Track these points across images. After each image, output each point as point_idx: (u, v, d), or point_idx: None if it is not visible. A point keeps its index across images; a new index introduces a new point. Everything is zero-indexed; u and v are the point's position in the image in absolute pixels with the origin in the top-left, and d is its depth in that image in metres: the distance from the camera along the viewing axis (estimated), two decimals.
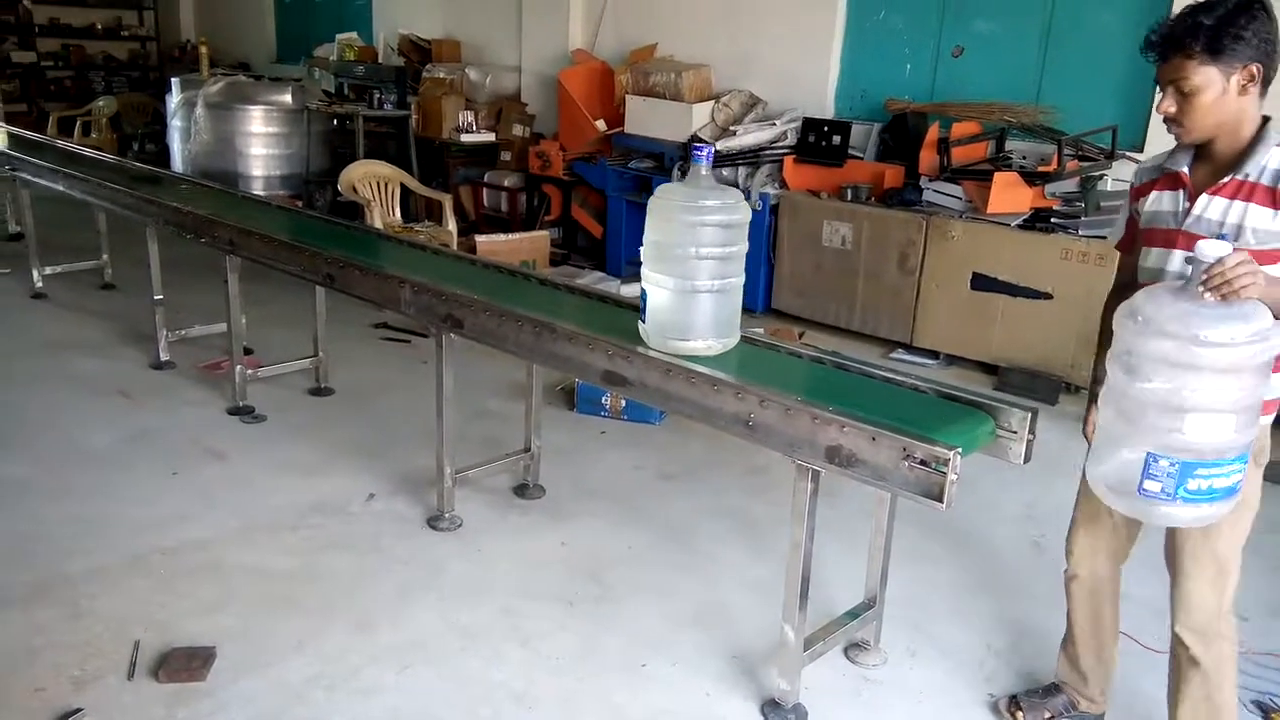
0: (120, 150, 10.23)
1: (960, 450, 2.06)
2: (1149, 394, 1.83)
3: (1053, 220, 5.05)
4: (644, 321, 2.62)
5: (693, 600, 3.02)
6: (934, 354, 5.45)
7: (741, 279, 2.61)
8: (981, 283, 5.19)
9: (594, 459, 4.03)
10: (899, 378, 2.54)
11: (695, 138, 6.53)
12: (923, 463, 2.10)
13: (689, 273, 2.49)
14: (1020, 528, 3.61)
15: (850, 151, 5.99)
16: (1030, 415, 2.28)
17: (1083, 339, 4.76)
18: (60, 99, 11.57)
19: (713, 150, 2.64)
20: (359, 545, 3.24)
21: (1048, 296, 5.01)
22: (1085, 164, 5.13)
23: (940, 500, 2.07)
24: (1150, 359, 1.82)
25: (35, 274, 5.84)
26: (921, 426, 2.20)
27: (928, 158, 5.60)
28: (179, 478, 3.67)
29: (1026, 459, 2.31)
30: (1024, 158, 5.48)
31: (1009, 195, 5.11)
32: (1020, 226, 5.11)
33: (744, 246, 2.58)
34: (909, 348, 5.53)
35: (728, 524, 3.52)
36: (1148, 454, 1.87)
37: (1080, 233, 4.91)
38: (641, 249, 2.62)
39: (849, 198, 5.77)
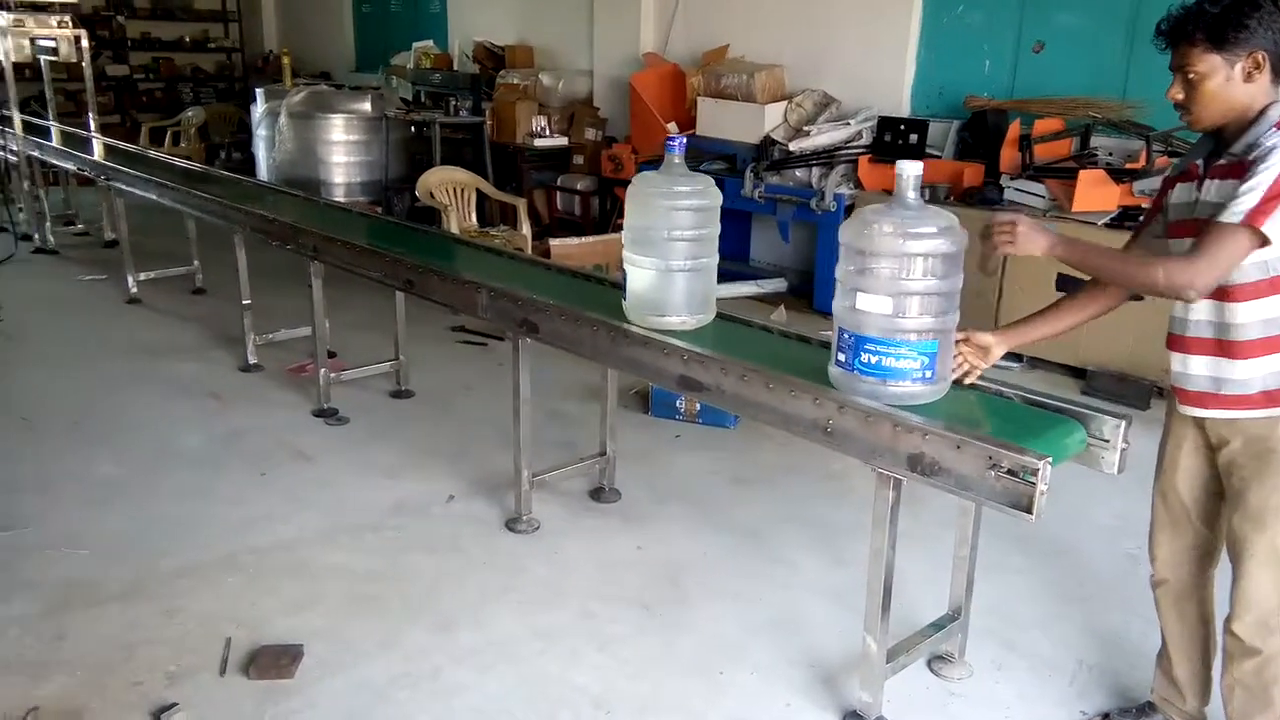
0: (208, 159, 10.57)
1: (1050, 460, 2.00)
2: (840, 275, 2.30)
3: (1142, 219, 4.88)
4: (625, 300, 2.85)
5: (770, 607, 3.00)
6: (1017, 357, 5.32)
7: (714, 260, 2.85)
8: (1067, 283, 5.01)
9: (669, 463, 4.03)
10: (983, 384, 2.49)
11: (768, 138, 6.49)
12: (1010, 472, 2.05)
13: (665, 254, 2.74)
14: (1113, 539, 3.49)
15: (928, 150, 5.89)
16: (1124, 423, 2.22)
17: None
18: (151, 110, 12.02)
19: (684, 141, 2.83)
20: (440, 546, 3.29)
21: (1137, 298, 4.82)
22: (1175, 160, 4.95)
23: (1029, 512, 2.02)
24: (843, 245, 2.27)
25: (130, 279, 6.08)
26: (1008, 434, 2.15)
27: (1009, 155, 5.47)
28: (267, 478, 3.78)
29: (1120, 469, 2.24)
30: (1110, 154, 5.31)
31: (1095, 193, 4.96)
32: (1108, 225, 4.95)
33: (715, 229, 2.82)
34: None
35: (805, 530, 3.48)
36: (839, 328, 2.30)
37: None
38: (622, 234, 2.86)
39: (927, 197, 5.64)
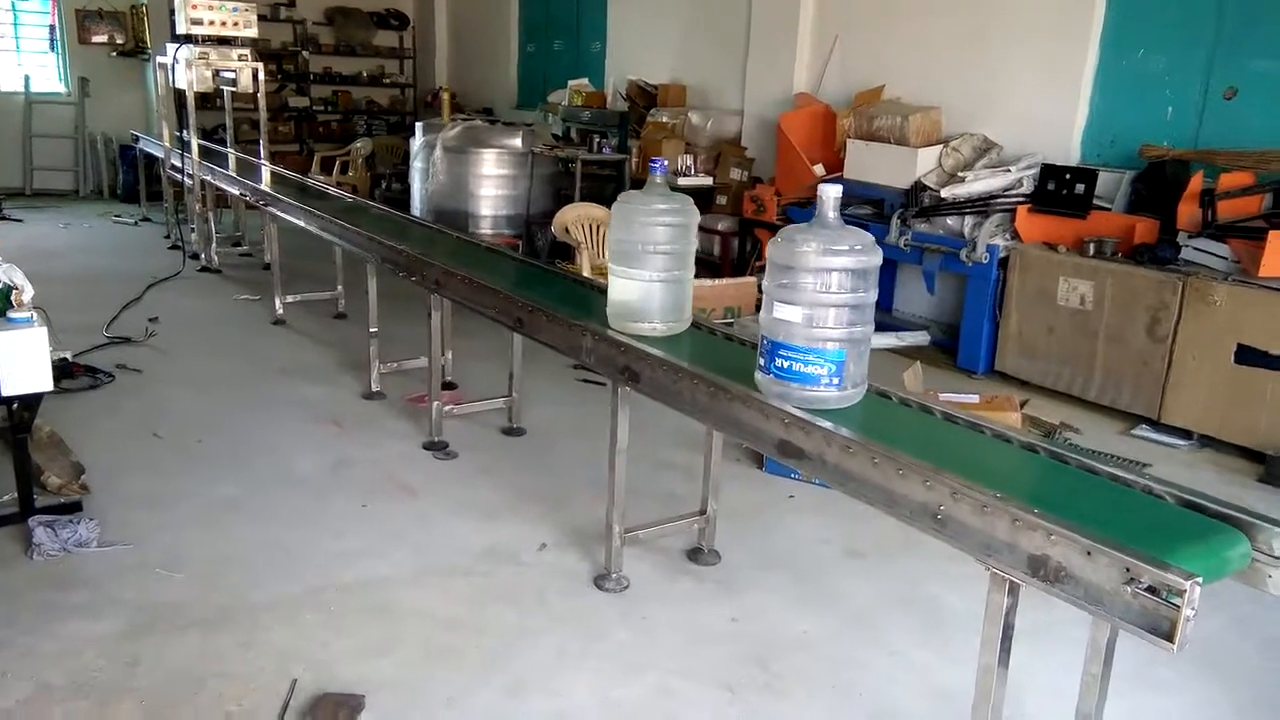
0: (371, 187, 11.06)
1: (1200, 580, 1.66)
2: (764, 288, 2.47)
3: None
4: (608, 308, 3.09)
5: (870, 703, 2.70)
6: (1186, 434, 4.76)
7: (689, 273, 3.07)
8: (1249, 356, 4.48)
9: (777, 525, 3.77)
10: (1129, 477, 2.14)
11: (919, 184, 6.15)
12: (1150, 590, 1.72)
13: (644, 265, 2.96)
14: None
15: (1095, 201, 5.41)
16: None
17: None
18: (328, 140, 12.68)
19: (665, 164, 3.09)
20: (524, 598, 3.15)
21: None
22: None
23: (1170, 640, 1.68)
24: (769, 260, 2.43)
25: (277, 301, 6.31)
26: (1153, 542, 1.82)
27: (1187, 211, 4.94)
28: (368, 510, 3.75)
29: None
30: None
31: None
32: None
33: (692, 245, 3.04)
34: (1155, 424, 4.86)
35: (918, 615, 3.15)
36: (761, 335, 2.48)
37: None
38: (607, 250, 3.11)
39: (1091, 253, 5.20)
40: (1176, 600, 1.68)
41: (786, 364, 2.41)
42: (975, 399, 4.20)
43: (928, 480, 2.11)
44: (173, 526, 3.54)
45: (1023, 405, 4.27)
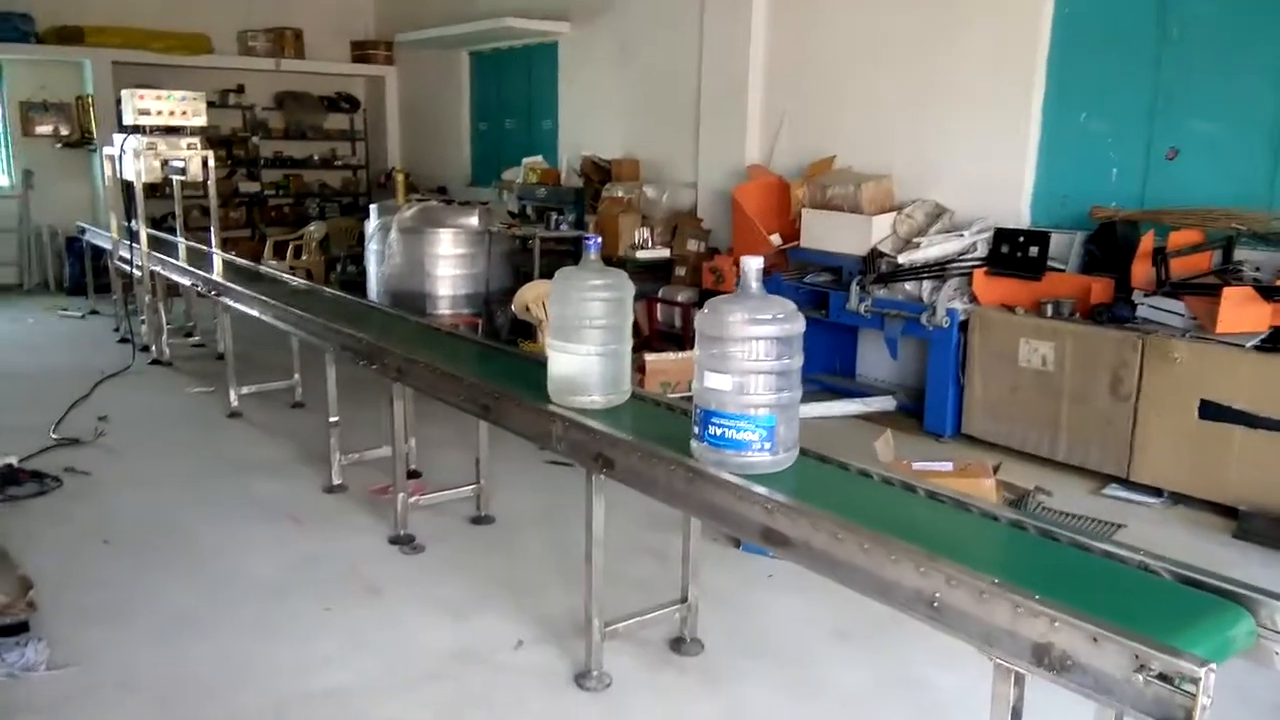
0: (326, 270, 10.95)
1: (1214, 666, 1.61)
2: (695, 357, 2.54)
3: None
4: (549, 384, 3.15)
5: None
6: (1156, 491, 4.77)
7: (626, 345, 3.12)
8: (1212, 411, 4.52)
9: (759, 607, 3.67)
10: (1124, 554, 2.09)
11: (876, 250, 6.21)
12: (1162, 676, 1.66)
13: (581, 340, 3.02)
14: None
15: (1050, 263, 5.49)
16: None
17: None
18: (280, 224, 12.58)
19: (599, 241, 3.15)
20: (499, 703, 3.01)
21: None
22: None
23: None
24: (697, 331, 2.53)
25: (232, 393, 6.15)
26: (1158, 624, 1.76)
27: (1141, 270, 5.02)
28: (332, 614, 3.59)
29: None
30: (1258, 269, 4.82)
31: (1243, 312, 4.47)
32: (1258, 348, 4.44)
33: (628, 318, 3.10)
34: (1125, 483, 4.87)
35: (912, 698, 3.06)
36: (695, 404, 2.56)
37: None
38: (549, 327, 3.17)
39: (1049, 314, 5.25)
40: (1190, 688, 1.62)
41: (720, 431, 2.49)
42: (949, 466, 4.17)
43: (922, 566, 2.05)
44: (126, 643, 3.35)
45: (996, 470, 4.24)
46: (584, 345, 3.03)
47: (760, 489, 2.44)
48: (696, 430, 2.56)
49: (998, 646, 1.91)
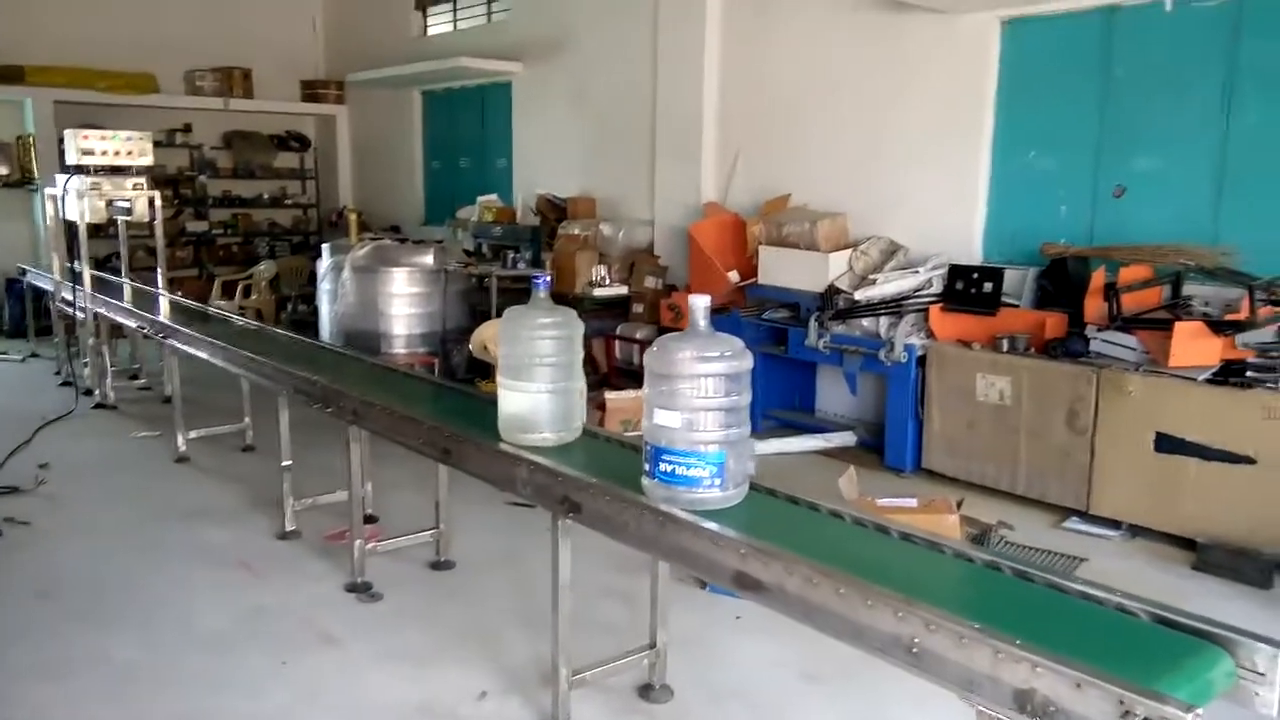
0: (277, 310, 10.77)
1: (1200, 710, 1.60)
2: (644, 395, 2.58)
3: (1249, 374, 4.45)
4: (499, 421, 3.16)
5: None
6: (1115, 524, 4.81)
7: (577, 382, 3.13)
8: (1167, 444, 4.58)
9: (727, 651, 3.61)
10: (1100, 594, 2.08)
11: (833, 287, 6.25)
12: None
13: (531, 378, 3.05)
14: None
15: (1003, 299, 5.57)
16: None
17: None
18: (228, 263, 12.36)
19: (548, 279, 3.16)
20: None
21: (1249, 461, 4.36)
22: None
23: None
24: (646, 369, 2.56)
25: (180, 438, 5.97)
26: (1138, 667, 1.75)
27: (1093, 305, 5.11)
28: (288, 667, 3.46)
29: None
30: (1207, 304, 4.93)
31: (1194, 346, 4.56)
32: (1210, 381, 4.52)
33: (578, 355, 3.13)
34: (1085, 516, 4.91)
35: None
36: (645, 441, 2.58)
37: None
38: (499, 365, 3.18)
39: (1005, 349, 5.31)
40: None
41: (670, 468, 2.50)
42: (914, 503, 4.17)
43: (900, 611, 2.02)
44: (69, 701, 3.20)
45: (959, 505, 4.25)
46: (534, 383, 3.05)
47: (733, 533, 2.40)
48: (647, 467, 2.57)
49: (979, 693, 1.88)
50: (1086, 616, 2.04)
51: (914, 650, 1.99)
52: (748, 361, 2.52)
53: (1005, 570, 2.25)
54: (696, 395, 2.46)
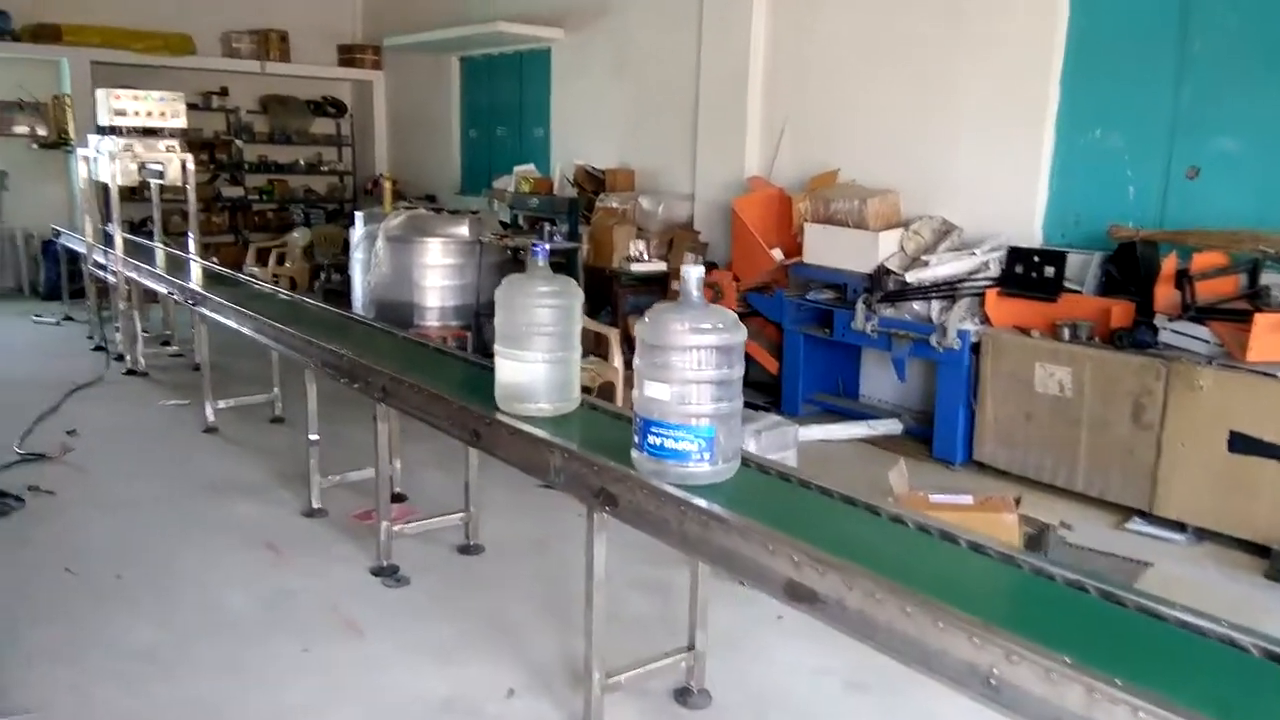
0: (310, 278, 10.67)
1: None
2: (635, 367, 2.51)
3: None
4: (496, 391, 3.12)
5: None
6: (1180, 526, 4.54)
7: (574, 353, 3.09)
8: (1242, 444, 4.30)
9: (767, 654, 3.42)
10: (1204, 624, 1.85)
11: (882, 268, 5.99)
12: None
13: (529, 347, 3.00)
14: None
15: (1065, 284, 5.28)
16: None
17: None
18: (264, 230, 12.29)
19: (547, 248, 3.10)
20: None
21: None
22: None
23: None
24: (638, 339, 2.50)
25: (208, 407, 5.86)
26: (1251, 714, 1.53)
27: (1164, 293, 4.81)
28: (309, 655, 3.32)
29: None
30: None
31: (1274, 340, 4.26)
32: None
33: (576, 325, 3.08)
34: (1148, 517, 4.64)
35: None
36: (635, 413, 2.53)
37: None
38: (495, 335, 3.11)
39: (1067, 337, 5.03)
40: None
41: (659, 441, 2.46)
42: (969, 500, 3.94)
43: (976, 637, 1.81)
44: (83, 685, 3.08)
45: (1018, 503, 4.01)
46: (532, 352, 3.01)
47: (788, 536, 2.20)
48: (636, 440, 2.52)
49: None
50: (1189, 649, 1.81)
51: (992, 682, 1.78)
52: (741, 334, 2.48)
53: (1091, 591, 2.03)
54: (688, 367, 2.41)
